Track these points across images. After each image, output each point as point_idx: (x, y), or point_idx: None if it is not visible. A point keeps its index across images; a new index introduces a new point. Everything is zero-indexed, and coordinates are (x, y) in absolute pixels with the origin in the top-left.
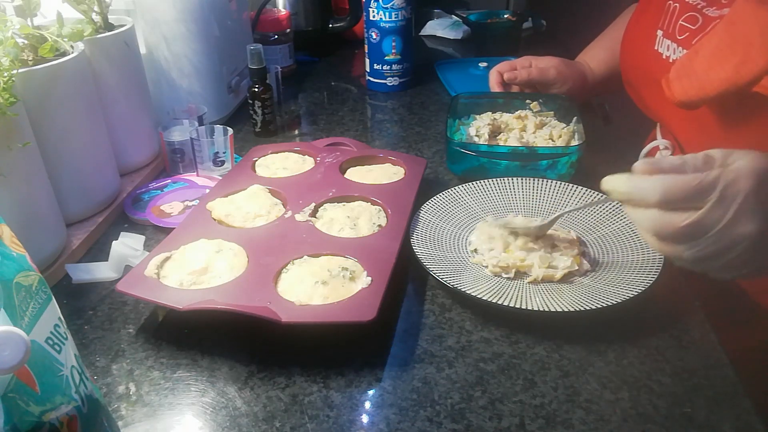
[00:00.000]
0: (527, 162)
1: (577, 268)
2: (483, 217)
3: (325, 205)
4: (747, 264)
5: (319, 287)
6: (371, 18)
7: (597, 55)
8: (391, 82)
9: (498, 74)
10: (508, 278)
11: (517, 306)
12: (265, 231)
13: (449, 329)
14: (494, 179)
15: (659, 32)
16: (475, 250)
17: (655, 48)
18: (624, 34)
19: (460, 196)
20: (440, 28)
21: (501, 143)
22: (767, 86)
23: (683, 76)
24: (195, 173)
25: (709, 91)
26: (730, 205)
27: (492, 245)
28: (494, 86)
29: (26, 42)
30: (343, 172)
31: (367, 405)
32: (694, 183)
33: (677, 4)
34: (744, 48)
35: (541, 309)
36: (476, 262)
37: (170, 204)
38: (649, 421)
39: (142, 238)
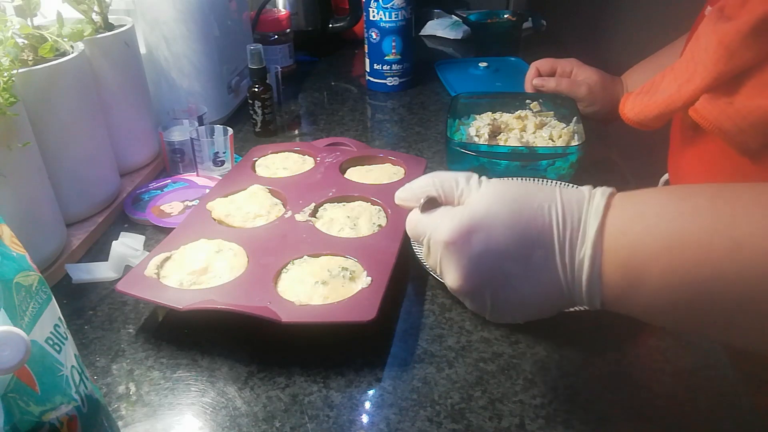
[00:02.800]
0: (527, 162)
1: None
2: None
3: (325, 205)
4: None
5: (319, 287)
6: (371, 18)
7: (639, 81)
8: (391, 82)
9: (536, 70)
10: None
11: None
12: (265, 231)
13: (449, 329)
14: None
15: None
16: None
17: None
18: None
19: None
20: (440, 28)
21: (501, 143)
22: (699, 110)
23: (645, 92)
24: (195, 173)
25: (652, 110)
26: (435, 255)
27: None
28: (529, 79)
29: (26, 42)
30: (343, 172)
31: (367, 405)
32: (410, 226)
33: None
34: (694, 66)
35: None
36: None
37: (170, 204)
38: (649, 421)
39: (142, 238)
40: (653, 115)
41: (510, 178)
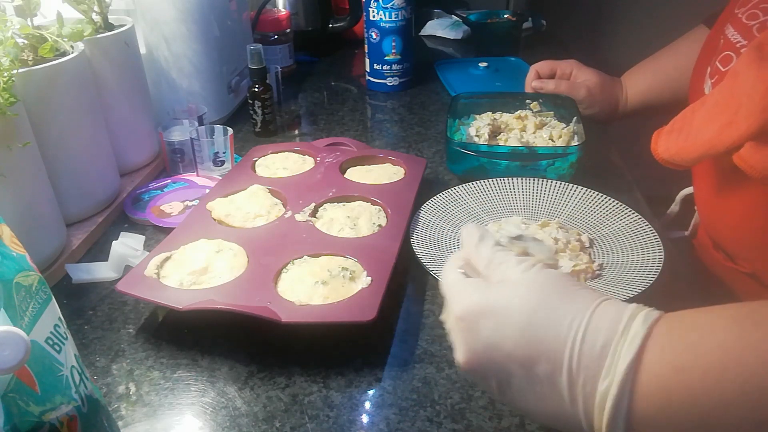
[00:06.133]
0: (527, 162)
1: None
2: (483, 217)
3: (325, 205)
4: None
5: (319, 287)
6: (371, 18)
7: (639, 82)
8: (391, 82)
9: (535, 73)
10: None
11: None
12: (265, 231)
13: None
14: (494, 179)
15: (708, 69)
16: None
17: (704, 87)
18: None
19: (460, 196)
20: (440, 28)
21: (501, 143)
22: (745, 157)
23: (677, 130)
24: (195, 173)
25: (690, 152)
26: (449, 323)
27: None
28: (528, 82)
29: (26, 42)
30: (343, 172)
31: (367, 405)
32: (442, 282)
33: (723, 40)
34: (735, 108)
35: None
36: None
37: (170, 204)
38: None
39: (142, 238)
40: (691, 158)
41: (562, 272)
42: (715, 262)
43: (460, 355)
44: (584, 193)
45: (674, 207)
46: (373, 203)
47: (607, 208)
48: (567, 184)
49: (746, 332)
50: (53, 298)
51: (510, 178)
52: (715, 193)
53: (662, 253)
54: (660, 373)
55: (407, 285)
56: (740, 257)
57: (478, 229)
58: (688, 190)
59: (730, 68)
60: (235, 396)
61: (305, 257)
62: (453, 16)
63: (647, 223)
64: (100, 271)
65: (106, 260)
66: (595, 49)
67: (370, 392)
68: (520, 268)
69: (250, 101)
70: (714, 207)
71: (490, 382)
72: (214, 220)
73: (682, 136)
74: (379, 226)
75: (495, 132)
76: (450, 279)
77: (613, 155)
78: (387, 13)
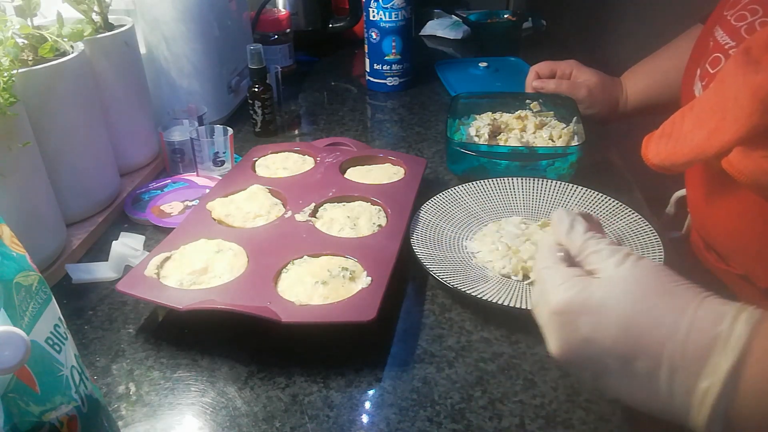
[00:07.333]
0: (527, 162)
1: None
2: (483, 217)
3: (325, 205)
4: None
5: (319, 287)
6: (371, 18)
7: (638, 82)
8: (391, 82)
9: (535, 74)
10: (516, 280)
11: (517, 306)
12: (265, 231)
13: (449, 329)
14: (494, 179)
15: (698, 71)
16: (479, 252)
17: (694, 89)
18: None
19: (460, 196)
20: (440, 28)
21: (501, 143)
22: (733, 162)
23: (667, 135)
24: (195, 173)
25: (680, 157)
26: (541, 313)
27: (497, 247)
28: (528, 83)
29: (26, 42)
30: (343, 172)
31: (367, 405)
32: (537, 268)
33: (712, 42)
34: (723, 112)
35: None
36: (478, 263)
37: (170, 204)
38: (649, 421)
39: (142, 238)
40: (680, 163)
41: (656, 263)
42: (708, 263)
43: (555, 348)
44: (584, 193)
45: (670, 208)
46: (373, 203)
47: (607, 208)
48: (567, 184)
49: None
50: (53, 298)
51: (510, 178)
52: (706, 196)
53: (662, 254)
54: (762, 376)
55: (407, 285)
56: (731, 259)
57: (569, 215)
58: (683, 191)
59: (718, 71)
60: (235, 396)
61: (305, 257)
62: (453, 16)
63: (647, 223)
64: (100, 271)
65: (106, 260)
66: (595, 49)
67: (370, 392)
68: (613, 261)
69: (250, 101)
70: (705, 210)
71: (584, 373)
72: (214, 220)
73: (671, 141)
74: (379, 226)
75: (495, 132)
76: (546, 267)
77: (613, 155)
78: (387, 13)
